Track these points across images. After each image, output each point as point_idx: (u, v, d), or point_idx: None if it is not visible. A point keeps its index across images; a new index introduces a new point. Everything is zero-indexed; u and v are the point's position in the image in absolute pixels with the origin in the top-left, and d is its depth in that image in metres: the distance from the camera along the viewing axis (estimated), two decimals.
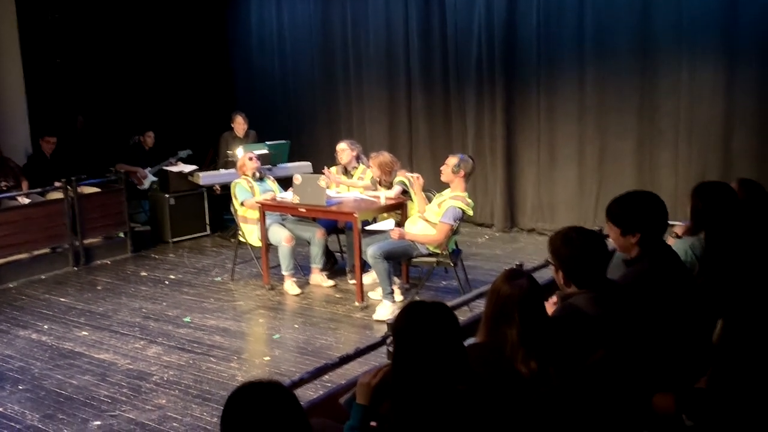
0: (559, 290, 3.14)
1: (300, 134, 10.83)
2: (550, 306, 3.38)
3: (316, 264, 7.18)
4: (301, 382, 3.18)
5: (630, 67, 8.13)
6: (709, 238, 3.67)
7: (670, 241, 3.86)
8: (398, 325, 2.48)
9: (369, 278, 6.98)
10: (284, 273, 7.05)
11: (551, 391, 2.56)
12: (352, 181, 7.45)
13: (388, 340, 2.63)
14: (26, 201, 8.18)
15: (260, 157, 7.66)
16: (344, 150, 7.48)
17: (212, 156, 9.83)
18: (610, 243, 3.40)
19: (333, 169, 7.61)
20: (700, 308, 3.14)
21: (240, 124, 9.49)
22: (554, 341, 2.68)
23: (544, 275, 4.84)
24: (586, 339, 2.81)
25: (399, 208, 6.91)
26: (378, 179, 7.11)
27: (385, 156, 7.08)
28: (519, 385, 2.54)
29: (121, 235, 8.80)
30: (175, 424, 4.54)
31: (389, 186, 7.04)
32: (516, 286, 2.67)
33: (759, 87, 7.43)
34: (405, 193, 6.94)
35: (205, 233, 9.49)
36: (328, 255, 7.47)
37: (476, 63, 9.26)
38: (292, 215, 7.22)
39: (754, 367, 2.44)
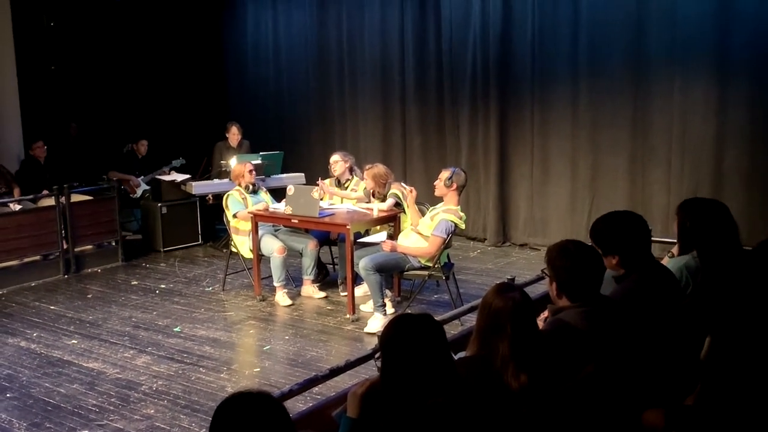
0: (551, 304, 3.14)
1: (294, 145, 10.83)
2: (541, 321, 3.38)
3: (308, 275, 7.17)
4: (290, 393, 3.16)
5: (623, 84, 8.17)
6: (702, 256, 3.62)
7: (665, 261, 3.84)
8: (386, 337, 2.48)
9: (360, 290, 6.97)
10: (276, 284, 7.04)
11: (540, 405, 2.56)
12: (345, 193, 7.45)
13: (377, 354, 2.63)
14: (17, 208, 8.15)
15: (254, 169, 7.65)
16: (337, 162, 7.49)
17: (205, 165, 9.82)
18: None
19: (326, 181, 7.61)
20: (689, 325, 3.14)
21: (234, 134, 9.49)
22: (544, 356, 2.69)
23: (536, 290, 4.86)
24: (575, 354, 2.81)
25: (391, 221, 6.91)
26: (372, 191, 7.11)
27: (380, 168, 7.09)
28: (507, 399, 2.53)
29: (113, 243, 8.77)
30: None
31: (383, 198, 7.04)
32: (508, 299, 2.68)
33: (750, 105, 7.48)
34: (398, 205, 6.95)
35: (197, 243, 9.47)
36: (320, 266, 7.46)
37: (470, 77, 9.29)
38: (285, 226, 7.22)
39: (741, 384, 2.44)
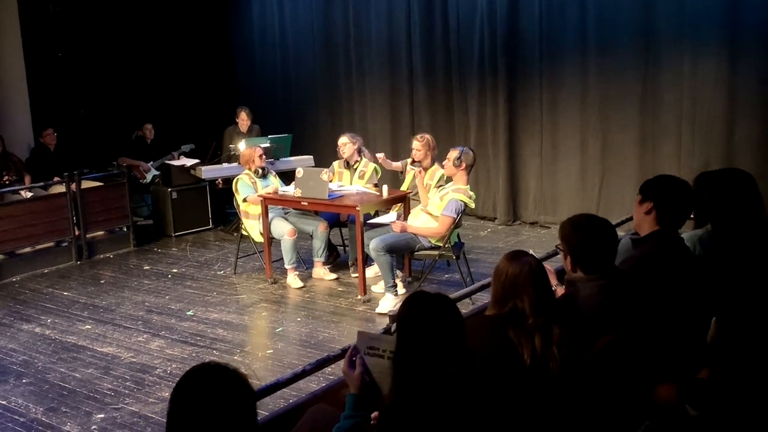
0: (566, 276, 3.14)
1: (302, 128, 10.82)
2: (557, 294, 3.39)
3: (319, 257, 7.19)
4: (303, 373, 3.19)
5: (632, 60, 8.11)
6: (716, 231, 3.53)
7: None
8: (402, 314, 2.51)
9: (371, 271, 6.99)
10: (287, 266, 7.06)
11: (552, 377, 2.58)
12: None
13: (392, 328, 2.67)
14: (29, 195, 8.19)
15: (264, 153, 7.65)
16: (346, 144, 7.45)
17: (214, 150, 9.83)
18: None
19: (335, 163, 7.60)
20: (698, 299, 3.11)
21: (244, 120, 9.48)
22: (561, 322, 2.73)
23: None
24: (591, 327, 2.82)
25: (401, 201, 6.91)
26: (413, 159, 7.00)
27: (429, 137, 7.01)
28: (518, 364, 2.57)
29: (124, 229, 8.81)
30: None
31: (425, 168, 6.88)
32: (524, 263, 2.77)
33: (761, 78, 7.41)
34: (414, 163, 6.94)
35: (207, 227, 9.50)
36: (331, 248, 7.48)
37: (478, 55, 9.24)
38: (295, 209, 7.23)
39: (748, 364, 2.43)
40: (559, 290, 3.34)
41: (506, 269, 2.78)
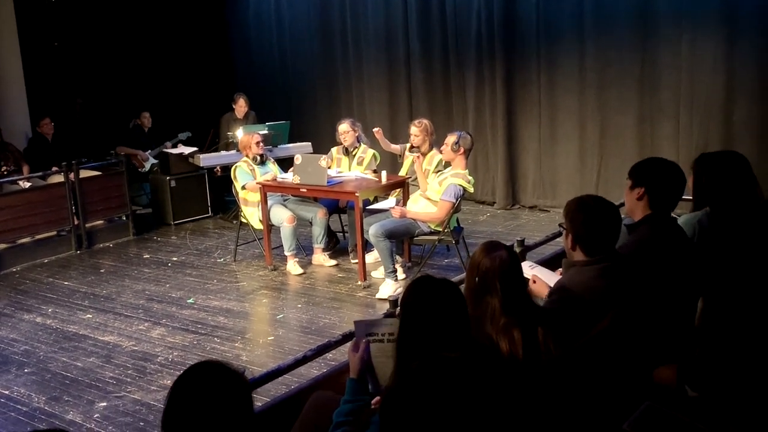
0: (566, 258, 3.14)
1: (300, 114, 10.81)
2: (557, 276, 3.39)
3: (318, 244, 7.19)
4: (304, 359, 3.20)
5: (630, 41, 8.09)
6: (714, 213, 3.53)
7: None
8: (406, 298, 2.51)
9: (371, 257, 6.99)
10: (287, 253, 7.06)
11: (540, 364, 2.58)
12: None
13: (395, 313, 2.68)
14: (27, 185, 8.18)
15: (262, 140, 7.62)
16: (348, 132, 7.38)
17: (212, 137, 9.81)
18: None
19: (334, 149, 7.59)
20: (698, 281, 3.12)
21: (241, 106, 9.45)
22: (540, 313, 2.71)
23: (546, 251, 4.88)
24: (586, 313, 2.82)
25: (400, 187, 6.90)
26: (412, 144, 6.99)
27: (427, 122, 6.98)
28: (496, 359, 2.57)
29: (123, 218, 8.81)
30: None
31: (424, 153, 6.87)
32: (495, 258, 2.70)
33: (759, 57, 7.39)
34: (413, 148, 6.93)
35: (206, 215, 9.49)
36: (330, 235, 7.48)
37: (476, 39, 9.21)
38: (294, 195, 7.22)
39: (737, 342, 2.44)
40: (557, 273, 3.34)
41: (479, 261, 2.73)
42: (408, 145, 7.16)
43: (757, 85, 7.46)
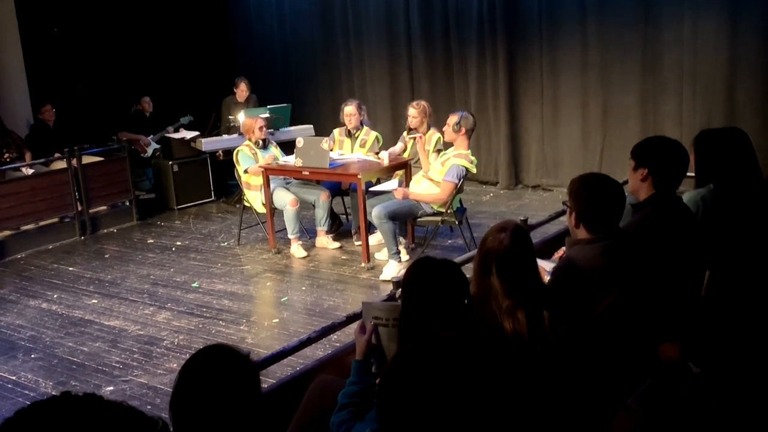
0: (569, 237, 3.14)
1: (301, 97, 10.77)
2: (551, 264, 3.39)
3: (322, 226, 7.20)
4: (309, 341, 3.22)
5: (632, 20, 8.04)
6: (718, 189, 3.54)
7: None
8: (408, 280, 2.51)
9: (374, 239, 6.99)
10: (290, 236, 7.07)
11: (545, 343, 2.58)
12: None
13: (397, 295, 2.68)
14: (30, 172, 8.19)
15: (264, 125, 7.60)
16: (353, 114, 7.30)
17: (214, 121, 9.79)
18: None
19: (336, 131, 7.57)
20: (702, 258, 3.12)
21: (243, 90, 9.43)
22: (546, 294, 2.70)
23: (549, 230, 4.87)
24: (590, 291, 2.82)
25: (402, 168, 6.90)
26: (410, 126, 6.98)
27: (425, 104, 6.97)
28: (498, 338, 2.57)
29: (127, 203, 8.82)
30: None
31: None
32: (496, 240, 2.70)
33: (762, 36, 7.36)
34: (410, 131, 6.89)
35: (210, 199, 9.50)
36: (333, 217, 7.48)
37: (477, 19, 9.16)
38: (296, 178, 7.22)
39: (742, 314, 2.44)
40: (559, 252, 3.34)
41: (487, 239, 2.73)
42: (405, 132, 7.14)
43: (759, 62, 7.43)
